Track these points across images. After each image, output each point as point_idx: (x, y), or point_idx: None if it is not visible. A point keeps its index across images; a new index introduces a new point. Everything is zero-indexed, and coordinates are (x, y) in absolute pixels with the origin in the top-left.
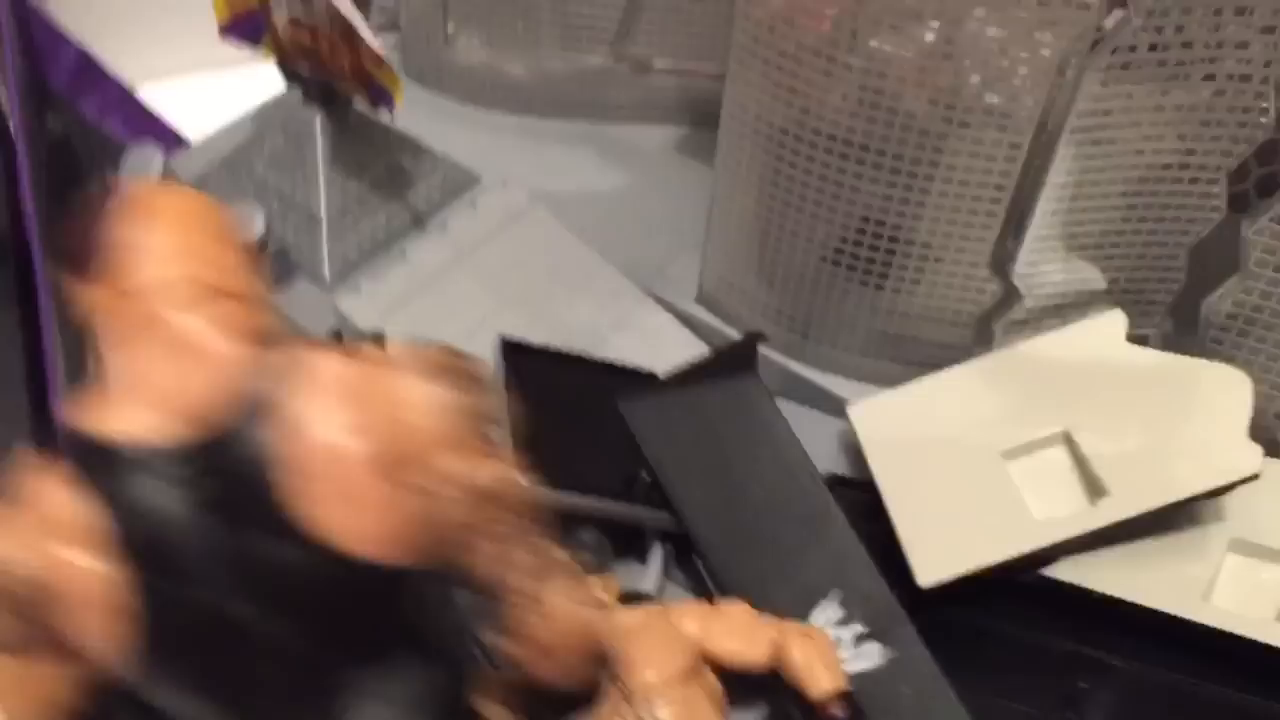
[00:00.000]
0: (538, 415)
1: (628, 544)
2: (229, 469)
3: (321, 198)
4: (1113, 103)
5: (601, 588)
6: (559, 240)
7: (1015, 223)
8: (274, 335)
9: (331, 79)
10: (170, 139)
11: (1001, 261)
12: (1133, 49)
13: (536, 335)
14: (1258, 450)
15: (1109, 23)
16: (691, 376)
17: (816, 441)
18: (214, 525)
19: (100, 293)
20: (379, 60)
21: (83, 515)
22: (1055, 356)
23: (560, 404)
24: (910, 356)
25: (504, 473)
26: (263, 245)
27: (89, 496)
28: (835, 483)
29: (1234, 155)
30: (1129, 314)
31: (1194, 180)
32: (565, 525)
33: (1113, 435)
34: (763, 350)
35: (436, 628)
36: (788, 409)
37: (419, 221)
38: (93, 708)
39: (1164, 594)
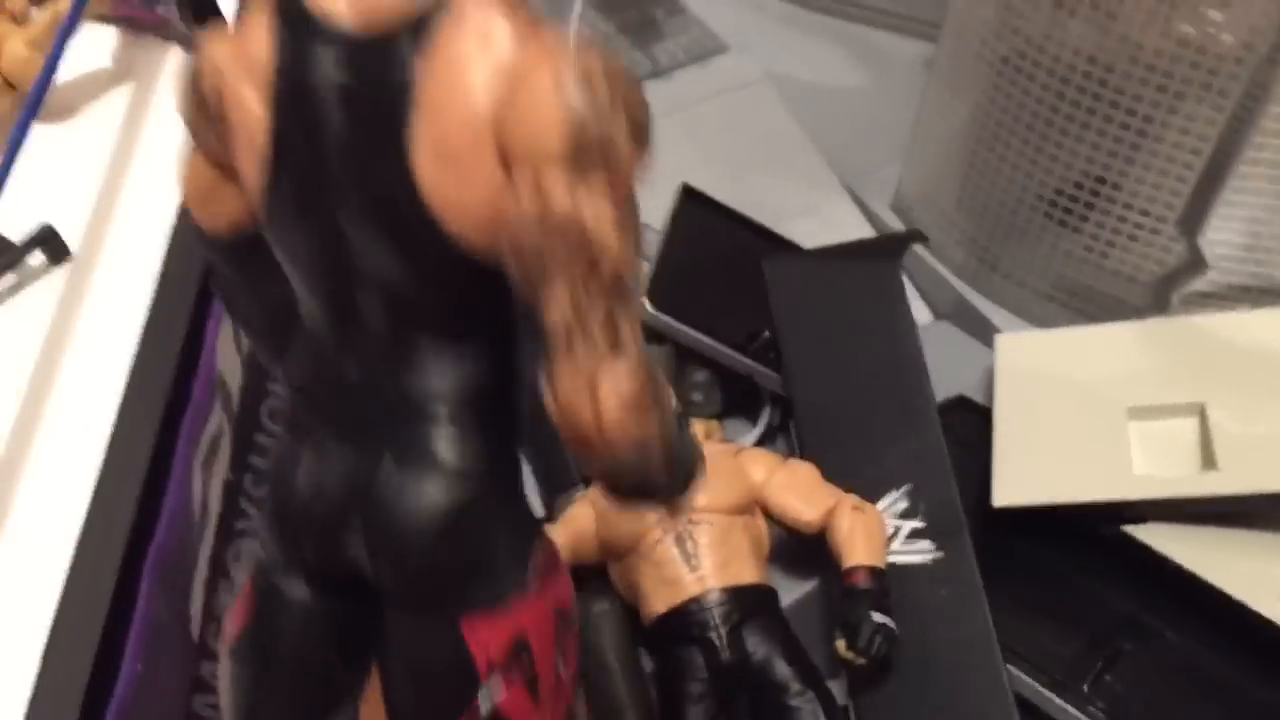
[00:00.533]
0: (691, 258)
1: (743, 400)
2: (379, 78)
3: (573, 28)
4: None
5: (703, 428)
6: (776, 118)
7: (1210, 183)
8: None
9: None
10: None
11: (1191, 223)
12: None
13: (725, 197)
14: None
15: None
16: (839, 253)
17: (967, 368)
18: (351, 120)
19: None
20: None
21: (266, 63)
22: (1219, 335)
23: (716, 254)
24: (1085, 307)
25: (604, 223)
26: None
27: (279, 48)
28: (961, 404)
29: None
30: None
31: None
32: (684, 361)
33: (1246, 417)
34: (944, 272)
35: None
36: (951, 331)
37: (658, 72)
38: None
39: (1241, 583)
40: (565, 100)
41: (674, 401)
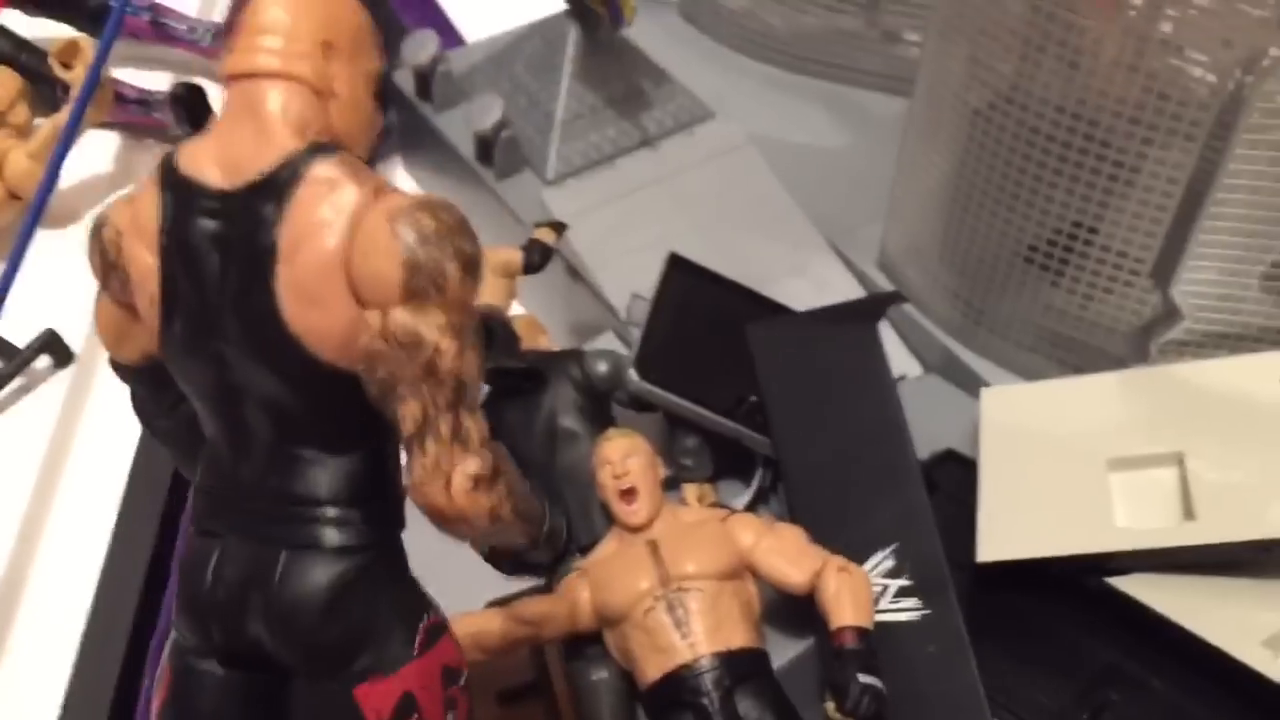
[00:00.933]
0: (680, 325)
1: (736, 462)
2: (245, 230)
3: (561, 102)
4: None
5: (696, 492)
6: (762, 181)
7: (1181, 230)
8: (343, 143)
9: None
10: (450, 35)
11: (1164, 272)
12: None
13: (713, 262)
14: None
15: None
16: (820, 317)
17: (956, 421)
18: (224, 267)
19: (227, 58)
20: None
21: (155, 221)
22: (1197, 383)
23: (704, 320)
24: (1068, 358)
25: (442, 342)
26: (497, 131)
27: (164, 209)
28: (949, 458)
29: None
30: None
31: None
32: (675, 426)
33: (1225, 466)
34: (930, 326)
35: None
36: (940, 385)
37: (646, 142)
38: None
39: (1224, 632)
40: (400, 243)
41: (518, 478)
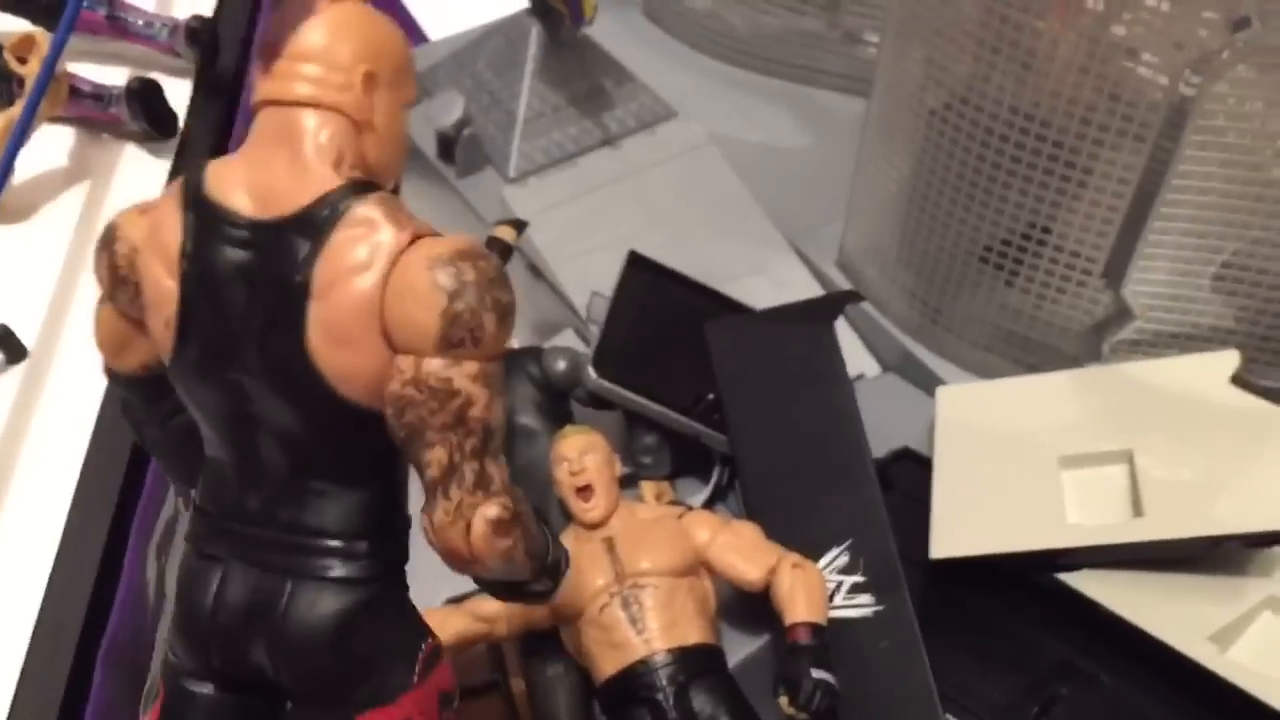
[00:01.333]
0: (639, 323)
1: (695, 460)
2: (277, 265)
3: (523, 100)
4: (1242, 105)
5: (654, 490)
6: (723, 180)
7: (1132, 230)
8: (376, 174)
9: None
10: (413, 32)
11: (1116, 271)
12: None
13: (674, 260)
14: None
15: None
16: (778, 316)
17: (913, 419)
18: (251, 299)
19: (264, 81)
20: None
21: (176, 242)
22: (1148, 382)
23: (664, 318)
24: (1024, 357)
25: (473, 391)
26: (459, 129)
27: (187, 232)
28: (905, 456)
29: None
30: (1261, 361)
31: None
32: (634, 424)
33: (1173, 464)
34: (888, 325)
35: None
36: (897, 384)
37: (607, 141)
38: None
39: (1172, 628)
40: (439, 293)
41: (533, 519)
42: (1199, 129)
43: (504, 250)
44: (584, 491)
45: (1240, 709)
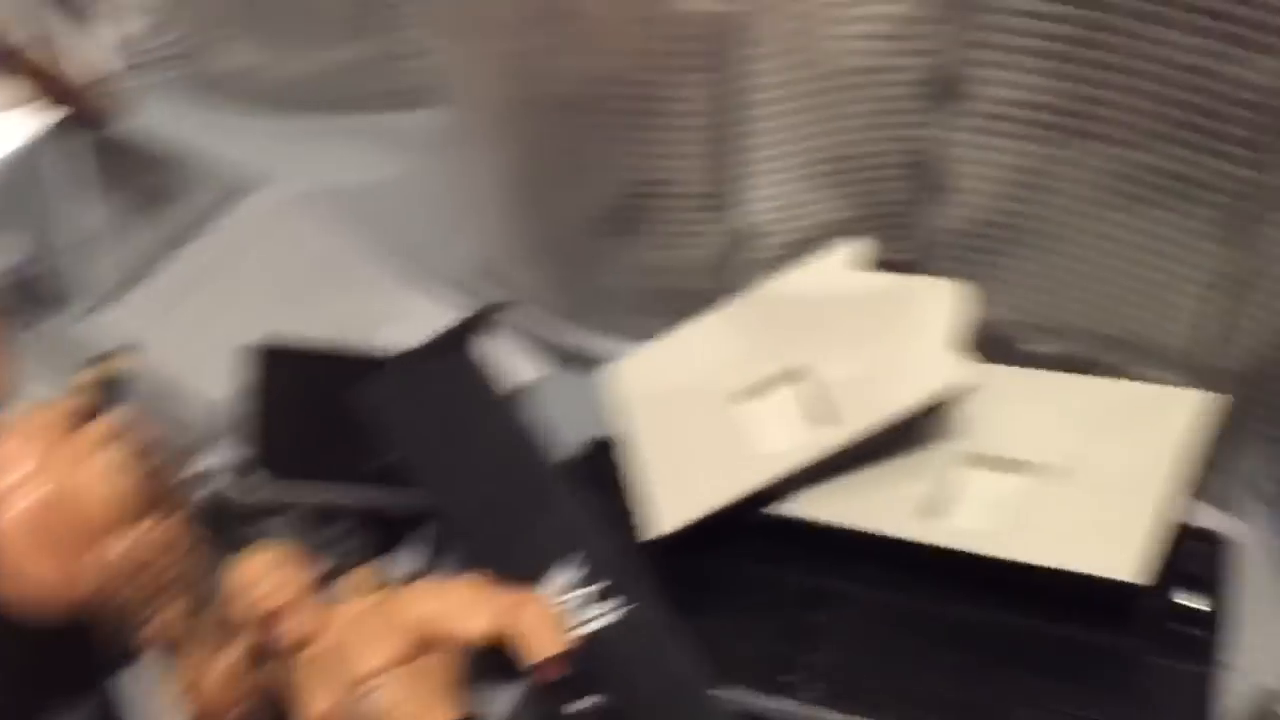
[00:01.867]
0: (292, 413)
1: (393, 534)
2: None
3: (86, 218)
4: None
5: (354, 583)
6: (320, 237)
7: (726, 157)
8: None
9: (60, 101)
10: None
11: (726, 201)
12: None
13: (311, 330)
14: (961, 361)
15: None
16: (418, 357)
17: (594, 408)
18: None
19: None
20: (89, 80)
21: None
22: (788, 293)
23: (314, 400)
24: (668, 310)
25: (167, 534)
26: (22, 272)
27: None
28: (598, 446)
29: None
30: (886, 241)
31: (892, 85)
32: (309, 524)
33: (835, 365)
34: (542, 322)
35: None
36: (572, 378)
37: (193, 229)
38: None
39: (884, 516)
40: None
41: None
42: (755, 41)
43: (115, 387)
44: (277, 615)
45: (973, 569)
